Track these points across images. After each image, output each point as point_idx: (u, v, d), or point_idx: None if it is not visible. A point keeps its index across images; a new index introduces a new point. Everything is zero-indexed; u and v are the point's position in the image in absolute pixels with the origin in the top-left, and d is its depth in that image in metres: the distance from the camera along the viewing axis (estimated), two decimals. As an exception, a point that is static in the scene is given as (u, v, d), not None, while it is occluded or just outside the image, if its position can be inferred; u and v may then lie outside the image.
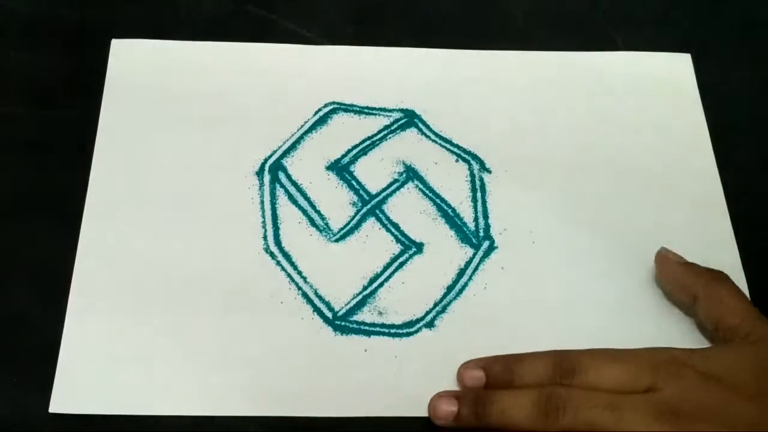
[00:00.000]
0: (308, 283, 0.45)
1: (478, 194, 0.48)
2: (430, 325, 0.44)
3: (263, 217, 0.47)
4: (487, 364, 0.41)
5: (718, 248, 0.46)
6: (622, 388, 0.38)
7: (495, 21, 0.54)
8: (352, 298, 0.44)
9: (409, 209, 0.47)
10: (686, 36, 0.54)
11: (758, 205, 0.48)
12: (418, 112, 0.51)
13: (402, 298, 0.44)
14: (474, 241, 0.47)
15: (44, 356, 0.41)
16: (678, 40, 0.53)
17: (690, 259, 0.45)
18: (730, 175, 0.49)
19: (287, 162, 0.49)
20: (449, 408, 0.40)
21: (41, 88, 0.50)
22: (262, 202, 0.47)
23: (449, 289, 0.45)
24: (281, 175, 0.48)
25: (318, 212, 0.47)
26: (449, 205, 0.48)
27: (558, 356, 0.40)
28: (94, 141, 0.48)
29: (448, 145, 0.50)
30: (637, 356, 0.39)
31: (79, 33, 0.52)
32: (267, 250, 0.46)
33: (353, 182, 0.48)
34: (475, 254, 0.46)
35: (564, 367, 0.39)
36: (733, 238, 0.47)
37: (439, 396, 0.40)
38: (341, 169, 0.49)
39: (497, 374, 0.40)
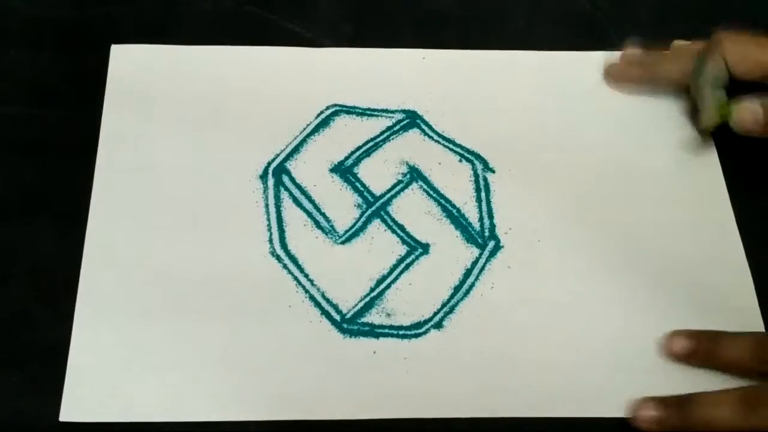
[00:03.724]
0: (315, 285, 0.45)
1: (483, 194, 0.48)
2: (439, 325, 0.44)
3: (268, 220, 0.46)
4: (695, 334, 0.43)
5: (722, 244, 0.47)
6: None
7: (495, 21, 0.55)
8: (360, 300, 0.44)
9: (414, 210, 0.47)
10: (686, 36, 0.54)
11: (762, 199, 0.48)
12: (420, 112, 0.51)
13: (409, 299, 0.44)
14: (479, 241, 0.47)
15: (45, 358, 0.41)
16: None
17: (694, 256, 0.46)
18: (734, 171, 0.49)
19: (291, 165, 0.48)
20: (654, 412, 0.41)
21: (41, 88, 0.50)
22: (266, 206, 0.47)
23: (456, 289, 0.45)
24: (285, 178, 0.48)
25: (323, 214, 0.47)
26: (454, 206, 0.48)
27: (765, 336, 0.42)
28: (93, 141, 0.48)
29: (451, 146, 0.50)
30: None
31: (79, 32, 0.52)
32: (273, 253, 0.45)
33: (357, 184, 0.48)
34: (481, 254, 0.46)
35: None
36: (737, 233, 0.47)
37: (643, 401, 0.41)
38: (345, 171, 0.48)
39: (705, 342, 0.42)
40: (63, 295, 0.43)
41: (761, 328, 0.44)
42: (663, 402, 0.41)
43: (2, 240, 0.45)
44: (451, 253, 0.46)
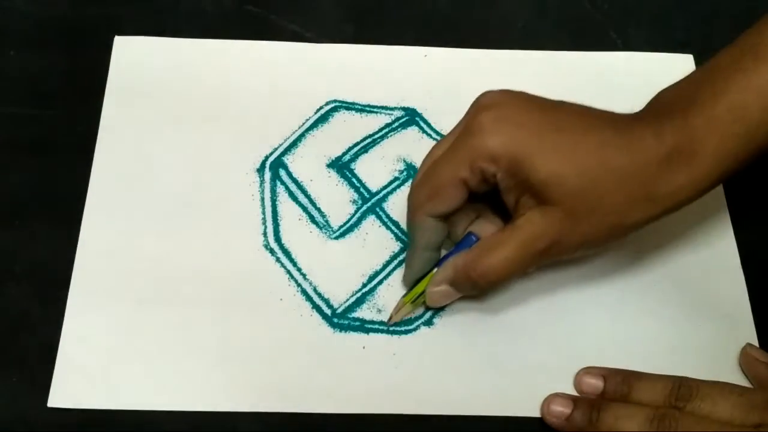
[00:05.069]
0: (308, 280, 0.45)
1: (478, 193, 0.48)
2: (429, 323, 0.44)
3: (263, 213, 0.47)
4: (607, 373, 0.41)
5: (717, 249, 0.46)
6: (732, 421, 0.39)
7: (495, 21, 0.55)
8: (351, 296, 0.45)
9: (409, 207, 0.47)
10: (686, 36, 0.54)
11: (758, 205, 0.48)
12: (419, 110, 0.51)
13: (401, 296, 0.44)
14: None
15: (43, 356, 0.42)
16: (678, 40, 0.53)
17: (689, 261, 0.45)
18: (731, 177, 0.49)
19: (288, 159, 0.49)
20: (563, 409, 0.41)
21: (41, 88, 0.50)
22: (262, 199, 0.47)
23: (448, 287, 0.45)
24: (282, 173, 0.48)
25: (318, 209, 0.47)
26: (449, 204, 0.48)
27: (678, 380, 0.40)
28: (94, 141, 0.48)
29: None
30: (752, 393, 0.40)
31: (79, 33, 0.52)
32: (267, 246, 0.46)
33: (354, 180, 0.48)
34: (474, 252, 0.46)
35: (682, 391, 0.40)
36: (733, 238, 0.47)
37: (556, 396, 0.41)
38: (342, 166, 0.49)
39: (615, 386, 0.41)
40: (62, 295, 0.43)
41: (753, 335, 0.44)
42: (573, 400, 0.41)
43: (1, 239, 0.45)
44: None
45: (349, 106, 0.51)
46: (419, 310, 0.44)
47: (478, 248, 0.41)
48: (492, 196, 0.41)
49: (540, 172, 0.38)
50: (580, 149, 0.38)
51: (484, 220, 0.42)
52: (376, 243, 0.46)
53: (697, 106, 0.38)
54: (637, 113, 0.41)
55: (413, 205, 0.42)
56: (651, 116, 0.40)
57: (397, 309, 0.43)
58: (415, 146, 0.49)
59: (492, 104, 0.40)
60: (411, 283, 0.43)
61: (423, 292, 0.43)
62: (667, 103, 0.40)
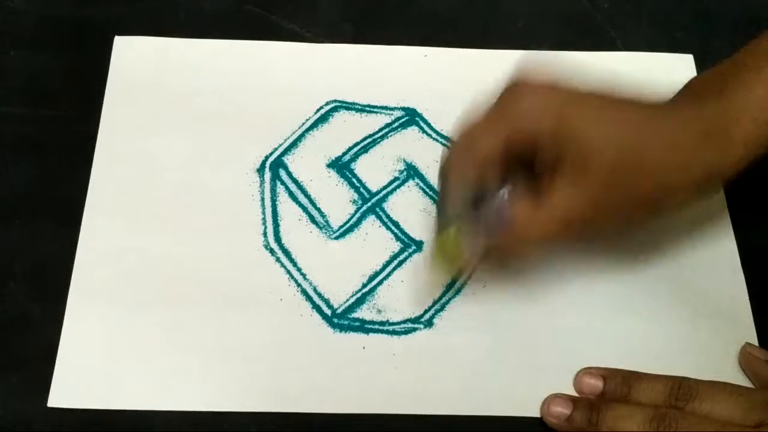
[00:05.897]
0: (308, 280, 0.45)
1: (478, 193, 0.48)
2: (429, 323, 0.44)
3: (263, 213, 0.47)
4: (607, 374, 0.42)
5: (717, 248, 0.46)
6: (732, 420, 0.39)
7: (495, 21, 0.55)
8: (351, 296, 0.45)
9: (409, 207, 0.47)
10: (686, 36, 0.54)
11: (758, 205, 0.48)
12: (419, 110, 0.51)
13: (401, 296, 0.45)
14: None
15: (43, 356, 0.42)
16: (678, 40, 0.54)
17: (690, 260, 0.45)
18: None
19: (288, 159, 0.49)
20: (563, 410, 0.41)
21: (41, 88, 0.50)
22: (262, 199, 0.47)
23: (448, 287, 0.45)
24: (282, 173, 0.48)
25: (318, 209, 0.47)
26: (449, 204, 0.48)
27: (678, 380, 0.40)
28: (94, 141, 0.48)
29: (449, 144, 0.50)
30: (752, 393, 0.40)
31: (79, 33, 0.52)
32: (267, 246, 0.46)
33: (354, 180, 0.48)
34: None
35: (682, 391, 0.40)
36: (733, 238, 0.47)
37: (555, 396, 0.41)
38: (342, 166, 0.49)
39: (615, 386, 0.41)
40: (62, 295, 0.43)
41: (753, 335, 0.44)
42: (573, 401, 0.41)
43: (1, 240, 0.45)
44: (444, 250, 0.46)
45: (349, 106, 0.51)
46: (445, 280, 0.44)
47: (512, 217, 0.40)
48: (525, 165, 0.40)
49: (582, 138, 0.38)
50: (622, 116, 0.38)
51: (519, 181, 0.41)
52: (376, 243, 0.46)
53: (730, 92, 0.39)
54: (670, 99, 0.42)
55: (451, 167, 0.41)
56: (688, 99, 0.41)
57: (426, 287, 0.43)
58: (415, 146, 0.49)
59: (528, 80, 0.40)
60: (440, 231, 0.41)
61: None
62: (700, 89, 0.41)
